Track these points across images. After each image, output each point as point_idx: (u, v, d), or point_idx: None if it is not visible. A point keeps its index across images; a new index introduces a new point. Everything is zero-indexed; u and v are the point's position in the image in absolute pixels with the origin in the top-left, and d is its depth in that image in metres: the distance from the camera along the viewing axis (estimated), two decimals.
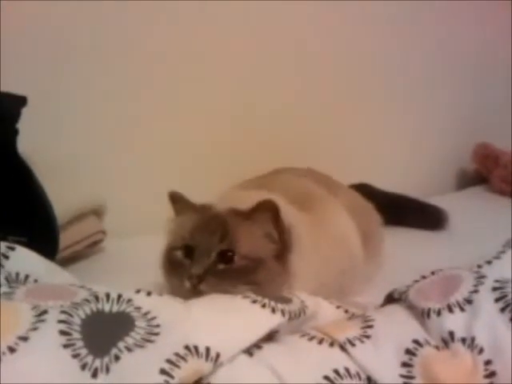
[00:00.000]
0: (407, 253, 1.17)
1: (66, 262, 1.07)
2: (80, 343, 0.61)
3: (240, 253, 0.82)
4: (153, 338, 0.64)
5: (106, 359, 0.60)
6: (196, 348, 0.62)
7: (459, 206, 1.66)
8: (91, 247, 1.23)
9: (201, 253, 0.81)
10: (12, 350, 0.58)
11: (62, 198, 1.11)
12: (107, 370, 0.59)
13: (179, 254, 0.84)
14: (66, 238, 1.12)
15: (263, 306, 0.71)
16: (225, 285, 0.79)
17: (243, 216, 0.85)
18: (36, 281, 0.80)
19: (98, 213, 1.25)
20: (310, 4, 1.55)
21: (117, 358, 0.60)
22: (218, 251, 0.81)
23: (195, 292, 0.78)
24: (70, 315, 0.64)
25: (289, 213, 0.89)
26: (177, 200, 0.90)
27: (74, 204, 1.19)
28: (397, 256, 1.15)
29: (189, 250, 0.83)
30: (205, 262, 0.80)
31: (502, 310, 0.70)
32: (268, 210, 0.84)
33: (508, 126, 1.91)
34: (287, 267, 0.85)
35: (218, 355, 0.63)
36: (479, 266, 0.79)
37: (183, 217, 0.88)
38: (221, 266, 0.81)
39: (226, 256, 0.81)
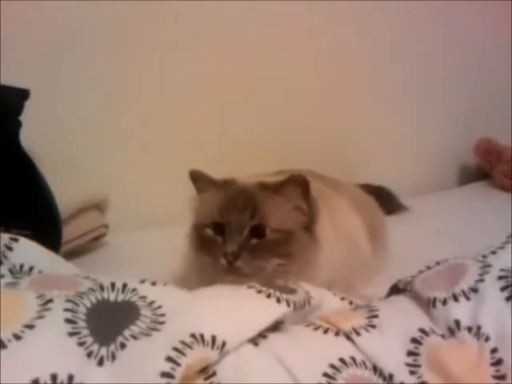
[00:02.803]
0: (409, 247, 1.17)
1: (68, 256, 1.07)
2: (85, 331, 0.61)
3: (271, 226, 0.83)
4: (158, 326, 0.63)
5: (112, 347, 0.60)
6: (202, 336, 0.62)
7: (461, 202, 1.67)
8: (94, 241, 1.24)
9: (233, 230, 0.82)
10: (18, 337, 0.58)
11: (65, 192, 1.12)
12: (113, 357, 0.59)
13: (209, 231, 0.85)
14: (68, 232, 1.12)
15: (268, 295, 0.71)
16: (259, 259, 0.81)
17: (272, 190, 0.86)
18: (40, 272, 0.80)
19: (100, 207, 1.26)
20: (311, 4, 1.55)
21: (122, 345, 0.60)
22: (249, 227, 0.82)
23: (231, 269, 0.80)
24: (76, 304, 0.64)
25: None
26: (198, 178, 0.90)
27: (76, 198, 1.20)
28: (400, 250, 1.16)
29: (219, 227, 0.84)
30: (238, 238, 0.81)
31: (508, 298, 0.70)
32: (298, 184, 0.85)
33: (509, 121, 1.91)
34: (315, 237, 0.87)
35: (223, 344, 0.63)
36: (484, 256, 0.78)
37: (207, 194, 0.89)
38: (253, 241, 0.82)
39: (257, 231, 0.82)
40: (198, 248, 0.87)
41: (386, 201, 1.47)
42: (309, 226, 0.87)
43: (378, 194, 1.41)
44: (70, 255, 1.11)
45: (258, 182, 0.87)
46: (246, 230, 0.82)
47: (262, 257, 0.81)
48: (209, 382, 0.62)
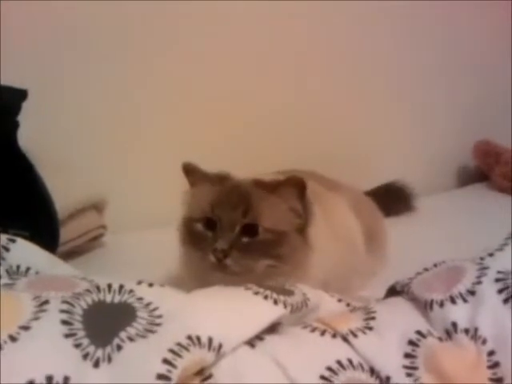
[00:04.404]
0: (407, 248, 1.17)
1: (66, 257, 1.07)
2: (82, 333, 0.61)
3: (264, 226, 0.81)
4: (155, 328, 0.63)
5: (108, 349, 0.60)
6: (198, 338, 0.62)
7: (460, 204, 1.67)
8: (91, 242, 1.23)
9: (224, 226, 0.81)
10: (13, 338, 0.58)
11: (63, 192, 1.11)
12: (109, 359, 0.59)
13: (200, 226, 0.84)
14: (66, 233, 1.12)
15: (265, 297, 0.71)
16: (249, 258, 0.80)
17: (268, 189, 0.84)
18: (37, 273, 0.80)
19: (98, 207, 1.25)
20: (312, 4, 1.55)
21: (119, 347, 0.60)
22: (242, 225, 0.81)
23: (220, 266, 0.79)
24: (72, 305, 0.64)
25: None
26: (191, 171, 0.88)
27: (74, 198, 1.19)
28: (398, 251, 1.16)
29: (210, 223, 0.82)
30: (229, 235, 0.80)
31: (505, 300, 0.70)
32: (295, 186, 0.84)
33: (509, 123, 1.91)
34: (308, 241, 0.85)
35: (220, 346, 0.63)
36: (482, 258, 0.78)
37: (200, 188, 0.87)
38: (245, 239, 0.81)
39: (250, 229, 0.81)
40: (187, 242, 0.86)
41: (398, 201, 1.48)
42: (303, 229, 0.85)
43: (389, 194, 1.43)
44: (68, 256, 1.11)
45: (253, 180, 0.86)
46: (238, 228, 0.81)
47: (253, 256, 0.80)
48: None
